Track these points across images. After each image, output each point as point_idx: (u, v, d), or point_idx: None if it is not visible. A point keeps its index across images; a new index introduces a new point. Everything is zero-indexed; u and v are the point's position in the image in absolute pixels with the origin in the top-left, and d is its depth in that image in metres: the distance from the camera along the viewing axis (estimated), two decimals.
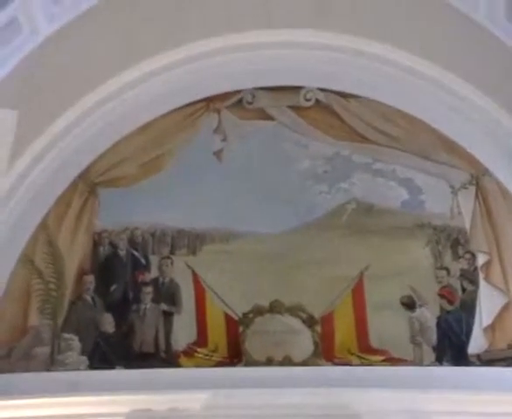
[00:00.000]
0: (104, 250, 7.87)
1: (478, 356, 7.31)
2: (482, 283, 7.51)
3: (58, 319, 7.58)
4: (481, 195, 7.72)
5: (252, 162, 7.94)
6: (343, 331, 7.46)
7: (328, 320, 7.46)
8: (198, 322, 7.55)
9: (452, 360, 7.32)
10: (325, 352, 7.36)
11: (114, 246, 7.87)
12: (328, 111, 8.01)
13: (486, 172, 7.71)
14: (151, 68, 7.68)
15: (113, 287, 7.72)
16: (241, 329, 7.45)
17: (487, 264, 7.55)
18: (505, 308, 7.40)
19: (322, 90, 8.01)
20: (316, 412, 6.88)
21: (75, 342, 7.50)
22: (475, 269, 7.57)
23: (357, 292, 7.53)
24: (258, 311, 7.48)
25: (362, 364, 7.32)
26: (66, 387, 7.15)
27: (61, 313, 7.59)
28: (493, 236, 7.61)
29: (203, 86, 7.96)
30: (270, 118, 8.09)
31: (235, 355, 7.39)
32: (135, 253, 7.85)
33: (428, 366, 7.31)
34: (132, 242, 7.87)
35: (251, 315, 7.48)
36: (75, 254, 7.79)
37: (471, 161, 7.73)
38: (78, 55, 7.24)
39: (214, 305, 7.56)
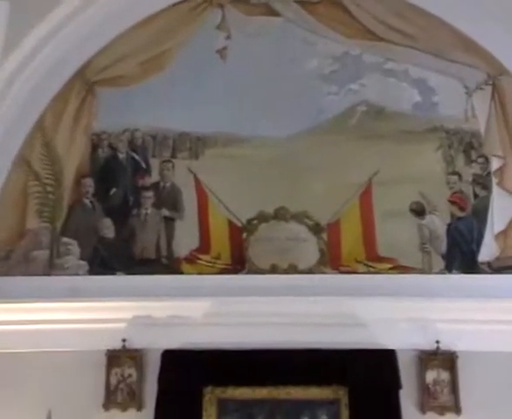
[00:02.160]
0: (103, 152, 7.59)
1: (488, 264, 7.12)
2: (495, 188, 7.26)
3: (57, 223, 7.40)
4: (498, 97, 7.40)
5: (258, 61, 7.58)
6: (350, 238, 7.24)
7: (334, 228, 7.24)
8: (201, 228, 7.34)
9: (461, 268, 7.13)
10: (331, 260, 7.18)
11: (113, 148, 7.59)
12: (337, 6, 7.65)
13: (504, 72, 7.38)
14: None
15: (112, 191, 7.50)
16: (245, 236, 7.25)
17: (502, 169, 7.28)
18: None
19: None
20: (322, 321, 6.77)
21: (74, 247, 7.33)
22: (488, 174, 7.31)
23: (365, 199, 7.28)
24: (262, 217, 7.27)
25: (369, 272, 7.14)
26: (66, 291, 7.03)
27: (60, 217, 7.41)
28: (508, 140, 7.32)
29: None
30: (276, 14, 7.73)
31: (238, 263, 7.21)
32: (135, 156, 7.58)
33: (437, 274, 7.12)
34: (132, 144, 7.59)
35: (255, 222, 7.27)
36: (73, 156, 7.53)
37: (489, 59, 7.40)
38: None
39: (217, 211, 7.34)
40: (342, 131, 7.46)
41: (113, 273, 7.21)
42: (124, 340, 6.88)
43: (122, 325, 6.92)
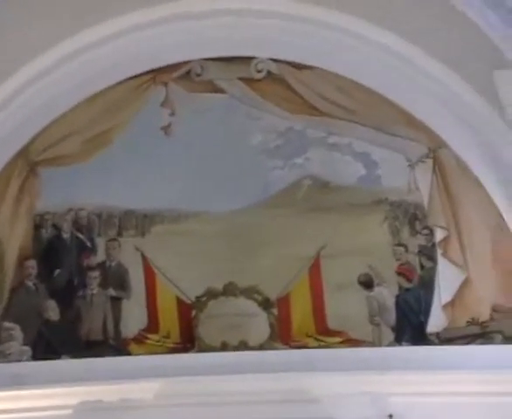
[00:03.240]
0: (46, 232, 7.46)
1: (437, 335, 7.18)
2: (441, 259, 7.36)
3: None
4: (439, 169, 7.56)
5: (202, 138, 7.61)
6: (300, 313, 7.24)
7: (284, 302, 7.23)
8: (149, 307, 7.24)
9: (411, 339, 7.17)
10: (282, 335, 7.15)
11: (57, 228, 7.47)
12: (280, 83, 7.74)
13: (443, 145, 7.54)
14: (92, 39, 7.33)
15: (56, 272, 7.34)
16: (194, 313, 7.17)
17: (446, 240, 7.40)
18: (464, 284, 7.27)
19: (274, 61, 7.73)
20: (274, 397, 6.70)
21: (17, 331, 7.10)
22: (433, 245, 7.42)
23: (314, 272, 7.32)
24: (211, 294, 7.21)
25: (319, 346, 7.13)
26: (9, 379, 6.79)
27: (1, 301, 7.17)
28: (450, 211, 7.46)
29: (148, 58, 7.64)
30: (220, 90, 7.78)
31: (188, 341, 7.12)
32: (80, 236, 7.47)
33: (387, 346, 7.15)
34: (77, 224, 7.48)
35: (204, 298, 7.21)
36: (15, 238, 7.35)
37: (428, 134, 7.57)
38: (16, 22, 6.80)
39: (165, 288, 7.26)
40: (288, 205, 7.50)
41: (58, 357, 7.02)
42: None
43: (69, 411, 6.70)
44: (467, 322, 7.17)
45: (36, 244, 7.38)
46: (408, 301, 7.26)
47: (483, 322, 7.15)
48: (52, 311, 7.16)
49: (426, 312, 7.23)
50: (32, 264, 7.29)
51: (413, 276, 7.33)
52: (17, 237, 7.35)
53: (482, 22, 5.87)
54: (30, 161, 7.49)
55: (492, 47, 6.37)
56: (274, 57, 7.75)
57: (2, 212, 7.38)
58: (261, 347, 7.07)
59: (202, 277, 7.22)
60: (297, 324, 7.21)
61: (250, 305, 7.19)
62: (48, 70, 7.31)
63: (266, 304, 7.19)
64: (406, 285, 7.31)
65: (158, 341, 7.12)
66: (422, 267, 7.38)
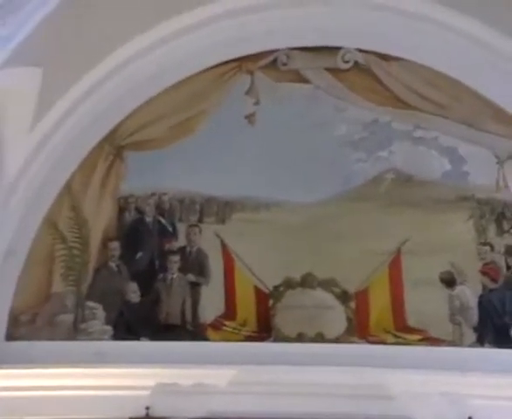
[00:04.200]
0: (130, 215, 7.56)
1: None
2: None
3: (82, 287, 7.34)
4: None
5: (286, 127, 7.57)
6: (379, 308, 7.12)
7: (362, 296, 7.12)
8: (227, 294, 7.25)
9: (494, 341, 6.96)
10: (359, 329, 7.05)
11: (140, 212, 7.56)
12: (367, 74, 7.65)
13: None
14: (181, 25, 7.43)
15: (138, 255, 7.44)
16: (271, 303, 7.15)
17: None
18: None
19: (362, 51, 7.65)
20: (348, 392, 6.62)
21: (99, 311, 7.25)
22: None
23: (394, 268, 7.17)
24: (289, 284, 7.16)
25: (397, 343, 6.98)
26: (90, 357, 6.94)
27: (85, 280, 7.35)
28: None
29: (235, 46, 7.68)
30: (306, 80, 7.73)
31: (265, 330, 7.10)
32: (162, 220, 7.55)
33: (468, 347, 6.96)
34: (159, 208, 7.55)
35: (282, 288, 7.17)
36: (100, 219, 7.51)
37: None
38: (104, 10, 6.92)
39: (243, 276, 7.25)
40: (370, 198, 7.39)
41: (137, 339, 7.13)
42: (148, 408, 6.73)
43: (146, 392, 6.79)
44: None
45: (119, 227, 7.49)
46: (492, 302, 7.05)
47: None
48: (133, 293, 7.27)
49: (511, 314, 7.00)
50: (116, 246, 7.41)
51: (498, 276, 7.11)
52: (102, 219, 7.50)
53: None
54: (116, 145, 7.63)
55: None
56: (362, 47, 7.66)
57: (88, 194, 7.55)
58: (338, 340, 7.00)
59: (280, 266, 7.18)
60: (375, 319, 7.10)
61: (327, 298, 7.12)
62: (135, 57, 7.45)
63: (344, 297, 7.10)
64: (491, 285, 7.10)
65: (235, 329, 7.13)
66: (508, 267, 7.15)
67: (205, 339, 7.13)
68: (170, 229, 7.52)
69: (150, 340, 7.11)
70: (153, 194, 7.57)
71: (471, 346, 6.98)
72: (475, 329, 7.03)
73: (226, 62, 7.73)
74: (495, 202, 7.31)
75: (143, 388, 6.80)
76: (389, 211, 7.32)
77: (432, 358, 6.77)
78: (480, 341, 7.00)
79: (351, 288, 7.13)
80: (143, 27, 7.38)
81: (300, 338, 7.02)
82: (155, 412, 6.76)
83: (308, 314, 7.10)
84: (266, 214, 7.42)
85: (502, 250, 7.20)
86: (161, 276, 7.34)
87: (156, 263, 7.40)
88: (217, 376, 6.77)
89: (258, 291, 7.22)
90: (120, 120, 7.65)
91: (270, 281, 7.19)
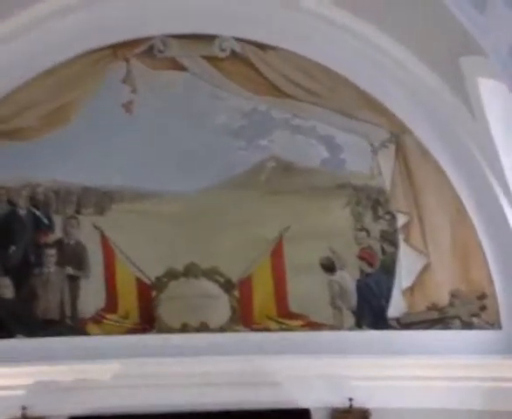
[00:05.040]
0: (1, 208, 7.24)
1: (397, 320, 7.23)
2: (402, 244, 7.40)
3: None
4: (401, 155, 7.57)
5: (165, 116, 7.47)
6: (262, 295, 7.19)
7: (246, 284, 7.17)
8: (107, 287, 7.10)
9: (371, 324, 7.21)
10: (243, 317, 7.10)
11: (12, 204, 7.26)
12: (244, 62, 7.64)
13: (405, 130, 7.56)
14: (51, 9, 7.10)
15: (11, 249, 7.14)
16: (154, 294, 7.06)
17: (407, 225, 7.44)
18: (424, 270, 7.33)
19: (238, 40, 7.62)
20: (235, 380, 6.69)
21: None
22: (395, 230, 7.44)
23: (276, 255, 7.26)
24: (172, 274, 7.11)
25: (281, 329, 7.09)
26: None
27: None
28: (412, 197, 7.50)
29: (108, 31, 7.45)
30: (183, 68, 7.63)
31: (147, 322, 7.02)
32: (37, 212, 7.26)
33: (348, 330, 7.16)
34: (33, 200, 7.28)
35: (164, 279, 7.10)
36: None
37: (391, 119, 7.58)
38: None
39: (125, 268, 7.12)
40: (252, 186, 7.42)
41: (12, 336, 6.87)
42: (24, 408, 6.53)
43: (22, 391, 6.60)
44: (427, 307, 7.23)
45: None
46: (369, 286, 7.28)
47: (442, 307, 7.23)
48: (6, 288, 6.99)
49: (387, 296, 7.26)
50: None
51: (375, 261, 7.35)
52: None
53: (453, 6, 5.84)
54: None
55: (459, 33, 6.37)
56: (238, 36, 7.64)
57: None
58: (222, 329, 7.02)
59: (162, 257, 7.11)
60: (258, 306, 7.16)
61: (211, 287, 7.11)
62: (3, 40, 7.07)
63: (227, 286, 7.12)
64: (368, 269, 7.33)
65: (116, 322, 7.01)
66: (384, 252, 7.40)
67: (86, 333, 6.95)
68: (46, 221, 7.26)
69: (27, 338, 6.85)
70: (26, 185, 7.29)
71: (350, 329, 7.17)
72: (354, 313, 7.24)
73: (101, 49, 7.49)
74: (370, 188, 7.52)
75: (19, 387, 6.59)
76: (270, 199, 7.39)
77: (313, 342, 6.93)
78: (359, 324, 7.21)
79: (235, 277, 7.16)
80: (13, 9, 7.00)
81: (184, 328, 6.98)
82: (32, 412, 6.56)
83: (192, 304, 7.07)
84: (147, 204, 7.30)
85: (378, 235, 7.43)
86: (37, 270, 7.10)
87: (32, 257, 7.14)
88: (99, 371, 6.65)
89: (140, 282, 7.11)
90: None
91: (152, 272, 7.10)
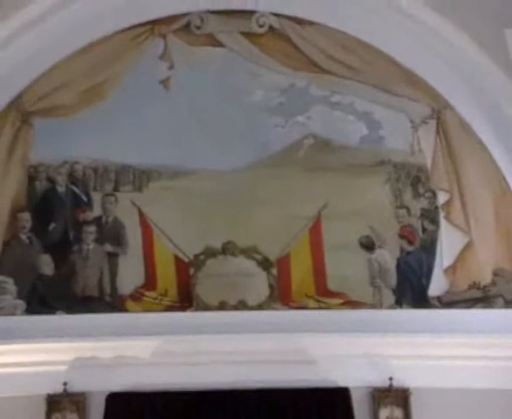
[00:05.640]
0: (41, 185, 7.25)
1: (438, 298, 7.10)
2: (443, 222, 7.27)
3: None
4: (442, 131, 7.43)
5: (202, 93, 7.41)
6: (300, 273, 7.12)
7: (284, 263, 7.10)
8: (146, 264, 7.08)
9: (412, 302, 7.10)
10: (281, 295, 7.02)
11: (51, 181, 7.26)
12: (282, 38, 7.55)
13: (447, 106, 7.42)
14: None
15: (51, 226, 7.15)
16: (192, 272, 7.02)
17: (448, 203, 7.31)
18: (466, 248, 7.20)
19: (276, 15, 7.53)
20: (273, 358, 6.65)
21: (10, 285, 6.94)
22: (436, 208, 7.31)
23: (315, 233, 7.18)
24: (210, 252, 7.05)
25: (319, 308, 7.01)
26: (1, 333, 6.62)
27: None
28: (454, 174, 7.36)
29: (146, 8, 7.42)
30: (220, 44, 7.57)
31: (186, 299, 6.98)
32: (76, 189, 7.27)
33: (388, 309, 7.06)
34: (72, 177, 7.28)
35: (202, 257, 7.05)
36: (8, 189, 7.16)
37: (432, 94, 7.44)
38: None
39: (163, 246, 7.10)
40: (289, 164, 7.35)
41: (52, 313, 6.89)
42: (65, 384, 6.57)
43: (63, 367, 6.63)
44: (469, 286, 7.11)
45: (30, 197, 7.19)
46: (410, 264, 7.16)
47: (485, 286, 7.09)
48: (47, 265, 7.00)
49: (428, 275, 7.14)
50: (26, 217, 7.10)
51: (415, 239, 7.23)
52: (10, 189, 7.16)
53: None
54: (23, 111, 7.28)
55: (504, 4, 6.23)
56: (276, 11, 7.55)
57: None
58: (260, 307, 6.95)
59: (200, 235, 7.07)
60: (297, 285, 7.09)
61: (249, 265, 7.05)
62: (41, 17, 7.10)
63: (265, 264, 7.05)
64: (408, 247, 7.21)
65: (155, 299, 6.99)
66: (424, 230, 7.28)
67: (125, 310, 6.95)
68: (85, 198, 7.27)
69: (67, 314, 6.86)
70: (65, 162, 7.29)
71: (390, 308, 7.07)
72: (394, 291, 7.14)
73: (138, 25, 7.46)
74: (410, 165, 7.40)
75: (60, 363, 6.62)
76: (308, 177, 7.30)
77: (353, 321, 6.83)
78: (399, 303, 7.11)
79: (273, 255, 7.08)
80: None
81: (222, 306, 6.94)
82: (73, 387, 6.60)
83: (230, 282, 7.02)
84: (185, 181, 7.27)
85: (418, 213, 7.31)
86: (76, 247, 7.10)
87: (71, 234, 7.14)
88: (139, 348, 6.64)
89: (178, 260, 7.08)
90: (26, 85, 7.29)
91: (190, 250, 7.06)
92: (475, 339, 6.75)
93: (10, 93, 7.23)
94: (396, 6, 7.24)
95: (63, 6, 7.16)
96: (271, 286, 7.03)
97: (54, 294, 6.94)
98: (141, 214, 7.17)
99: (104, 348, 6.64)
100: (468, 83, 7.24)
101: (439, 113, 7.44)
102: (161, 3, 7.43)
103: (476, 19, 6.92)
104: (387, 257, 7.18)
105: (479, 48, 6.99)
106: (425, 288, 7.13)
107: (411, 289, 7.13)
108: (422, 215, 7.31)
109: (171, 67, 7.49)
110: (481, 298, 7.06)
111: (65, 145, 7.26)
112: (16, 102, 7.25)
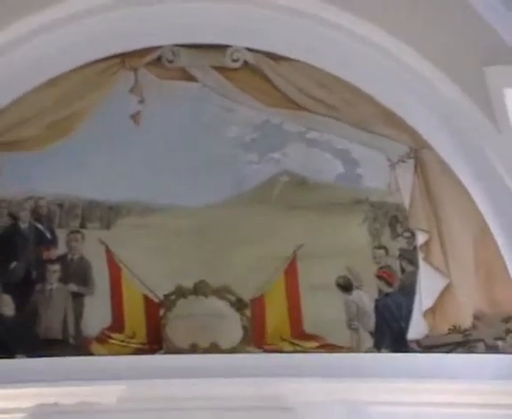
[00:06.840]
0: (2, 221, 7.00)
1: (418, 342, 6.93)
2: (422, 263, 7.11)
3: None
4: (421, 170, 7.31)
5: (174, 128, 7.24)
6: (275, 315, 6.93)
7: (258, 304, 6.91)
8: (113, 305, 6.85)
9: (390, 346, 6.92)
10: (255, 338, 6.83)
11: (14, 218, 7.00)
12: (257, 74, 7.39)
13: (425, 145, 7.29)
14: (57, 16, 6.87)
15: (12, 264, 6.89)
16: (162, 312, 6.81)
17: (427, 244, 7.15)
18: (446, 290, 7.05)
19: (251, 50, 7.39)
20: (246, 404, 6.42)
21: None
22: (415, 248, 7.16)
23: (290, 273, 7.00)
24: (181, 292, 6.85)
25: (295, 351, 6.84)
26: None
27: None
28: (432, 214, 7.22)
29: (117, 40, 7.23)
30: (193, 79, 7.40)
31: (155, 342, 6.77)
32: (40, 226, 7.02)
33: (365, 352, 6.90)
34: (36, 213, 7.03)
35: (173, 297, 6.84)
36: None
37: (410, 133, 7.31)
38: None
39: (131, 285, 6.88)
40: (264, 201, 7.19)
41: (12, 356, 6.60)
42: None
43: (22, 415, 6.37)
44: (449, 329, 6.96)
45: None
46: (388, 306, 7.01)
47: (465, 330, 6.95)
48: (7, 306, 6.74)
49: (407, 318, 6.99)
50: None
51: (394, 280, 7.08)
52: None
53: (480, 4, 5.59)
54: None
55: (484, 39, 6.15)
56: (251, 46, 7.42)
57: None
58: (233, 350, 6.76)
59: (171, 274, 6.89)
60: (272, 327, 6.92)
61: (222, 306, 6.87)
62: (8, 47, 6.86)
63: (238, 305, 6.87)
64: (386, 289, 7.05)
65: (123, 341, 6.78)
66: (403, 271, 7.13)
67: (90, 353, 6.71)
68: (49, 235, 7.02)
69: (27, 358, 6.60)
70: (29, 198, 7.05)
71: (368, 351, 6.91)
72: (372, 334, 6.96)
73: (109, 57, 7.28)
74: (388, 205, 7.27)
75: (19, 410, 6.37)
76: (283, 215, 7.14)
77: (329, 365, 6.65)
78: (378, 347, 6.93)
79: (246, 295, 6.90)
80: (18, 15, 6.80)
81: (193, 349, 6.72)
82: None
83: (202, 323, 6.81)
84: (155, 218, 7.07)
85: (397, 253, 7.16)
86: (39, 287, 6.84)
87: (34, 273, 6.89)
88: (105, 394, 6.41)
89: (147, 300, 6.87)
90: None
91: (160, 290, 6.85)
92: (456, 384, 6.60)
93: None
94: (372, 43, 7.13)
95: (30, 37, 6.94)
96: (244, 328, 6.83)
97: (14, 337, 6.65)
98: (108, 252, 6.94)
99: (67, 394, 6.39)
100: (447, 123, 7.14)
101: (417, 153, 7.32)
102: (132, 36, 7.25)
103: (455, 58, 6.84)
104: (365, 298, 7.02)
105: (458, 87, 6.91)
106: (404, 331, 6.95)
107: (389, 332, 6.96)
108: (400, 255, 7.16)
109: (142, 101, 7.30)
110: (462, 342, 6.90)
111: (30, 180, 7.03)
112: None
